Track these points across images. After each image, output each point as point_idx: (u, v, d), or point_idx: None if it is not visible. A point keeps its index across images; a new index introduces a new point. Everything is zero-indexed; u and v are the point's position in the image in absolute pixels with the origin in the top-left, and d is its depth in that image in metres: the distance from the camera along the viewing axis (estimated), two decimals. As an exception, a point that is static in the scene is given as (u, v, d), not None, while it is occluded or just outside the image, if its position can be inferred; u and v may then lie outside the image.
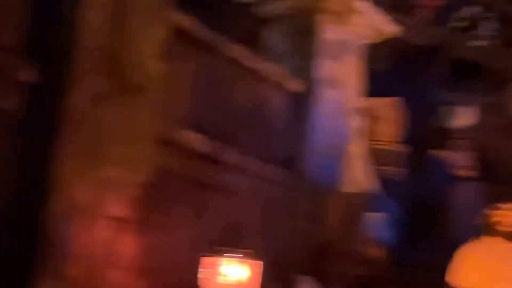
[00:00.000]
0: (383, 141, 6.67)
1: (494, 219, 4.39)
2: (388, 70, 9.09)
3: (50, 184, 3.25)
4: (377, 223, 5.28)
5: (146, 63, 3.72)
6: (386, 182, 6.17)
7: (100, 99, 3.48)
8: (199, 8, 4.34)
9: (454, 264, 4.38)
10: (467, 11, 9.66)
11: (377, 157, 6.47)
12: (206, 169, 4.34)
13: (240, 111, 4.67)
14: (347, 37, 5.45)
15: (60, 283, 3.14)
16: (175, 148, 4.12)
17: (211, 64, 4.47)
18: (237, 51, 4.62)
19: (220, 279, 3.34)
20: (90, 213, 3.37)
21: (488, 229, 4.41)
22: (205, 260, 3.42)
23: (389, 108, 6.87)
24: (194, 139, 4.23)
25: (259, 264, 3.43)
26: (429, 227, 6.46)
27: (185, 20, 4.21)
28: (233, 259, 3.36)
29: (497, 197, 6.66)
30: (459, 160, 7.83)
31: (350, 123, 5.42)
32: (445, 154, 7.65)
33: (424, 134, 8.31)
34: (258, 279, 3.43)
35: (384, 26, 5.62)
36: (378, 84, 7.95)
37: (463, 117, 8.41)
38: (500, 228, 4.32)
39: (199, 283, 3.37)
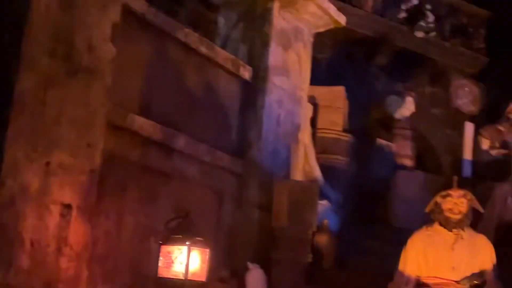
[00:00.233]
0: (327, 129, 6.72)
1: (441, 206, 4.46)
2: (333, 59, 9.19)
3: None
4: (323, 211, 5.32)
5: (97, 46, 3.62)
6: (330, 170, 6.23)
7: (49, 82, 3.37)
8: (151, -9, 4.27)
9: (404, 252, 4.44)
10: (410, 3, 9.82)
11: (322, 145, 6.53)
12: (157, 156, 4.28)
13: (191, 97, 4.61)
14: (297, 25, 5.46)
15: (9, 271, 3.04)
16: (126, 134, 4.05)
17: (162, 48, 4.39)
18: (189, 35, 4.55)
19: (171, 267, 3.29)
20: (39, 200, 3.27)
21: (435, 217, 4.48)
22: (162, 248, 3.36)
23: (334, 97, 6.92)
24: (145, 125, 4.16)
25: (206, 252, 3.41)
26: (373, 214, 6.57)
27: (137, 3, 4.12)
28: (183, 246, 3.31)
29: (437, 186, 6.85)
30: (401, 149, 7.97)
31: (299, 111, 5.43)
32: (388, 143, 7.77)
33: (367, 123, 8.43)
34: (206, 267, 3.40)
35: (333, 15, 5.64)
36: (323, 72, 8.02)
37: (405, 107, 8.56)
38: (450, 215, 4.39)
39: (158, 270, 3.32)
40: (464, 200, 4.46)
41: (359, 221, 6.14)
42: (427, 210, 4.59)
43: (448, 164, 10.05)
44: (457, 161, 9.67)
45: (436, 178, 7.44)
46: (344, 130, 6.98)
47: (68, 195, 3.43)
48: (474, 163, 7.60)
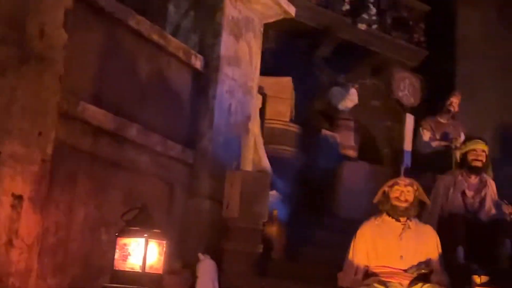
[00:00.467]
0: (275, 120, 6.73)
1: (388, 196, 4.53)
2: (277, 49, 9.21)
3: None
4: (272, 201, 5.34)
5: (49, 33, 3.51)
6: (278, 161, 6.25)
7: (0, 69, 3.26)
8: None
9: (353, 242, 4.50)
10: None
11: (270, 136, 6.54)
12: (108, 145, 4.20)
13: (143, 85, 4.54)
14: (248, 15, 5.44)
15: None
16: (77, 123, 3.95)
17: (114, 36, 4.30)
18: (141, 23, 4.47)
19: (127, 259, 3.24)
20: (-12, 191, 3.16)
21: (382, 207, 4.55)
22: (118, 240, 3.30)
23: (281, 88, 6.94)
24: (96, 114, 4.07)
25: (164, 244, 3.37)
26: (320, 205, 6.64)
27: (89, -11, 4.02)
28: (140, 238, 3.26)
29: (382, 176, 6.97)
30: (345, 140, 8.06)
31: (250, 101, 5.43)
32: (333, 134, 7.85)
33: (313, 114, 8.50)
34: (164, 258, 3.37)
35: (283, 5, 5.64)
36: (270, 62, 8.03)
37: (349, 98, 8.66)
38: (397, 203, 4.47)
39: (114, 264, 3.25)
40: (410, 189, 4.54)
41: (307, 211, 6.19)
42: (375, 200, 4.65)
43: (388, 155, 10.26)
44: (397, 152, 9.90)
45: (380, 168, 7.56)
46: (291, 121, 7.01)
47: (19, 186, 3.33)
48: (415, 154, 7.76)
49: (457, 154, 7.14)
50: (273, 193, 5.40)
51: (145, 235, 3.22)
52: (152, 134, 4.53)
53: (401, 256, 4.40)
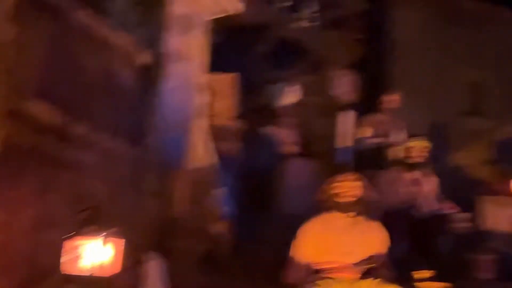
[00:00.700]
0: (219, 116, 6.69)
1: (333, 191, 4.57)
2: (218, 45, 9.17)
3: None
4: (219, 199, 5.32)
5: (-5, 26, 3.39)
6: (223, 157, 6.22)
7: None
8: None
9: (298, 239, 4.52)
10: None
11: (214, 132, 6.50)
12: (55, 143, 4.07)
13: (90, 81, 4.43)
14: (195, 10, 5.39)
15: None
16: (23, 120, 3.81)
17: (61, 30, 4.17)
18: (88, 17, 4.35)
19: (82, 261, 3.15)
20: None
21: (328, 203, 4.59)
22: (66, 243, 3.20)
23: (225, 84, 6.91)
24: (43, 110, 3.94)
25: (121, 243, 3.30)
26: (265, 202, 6.65)
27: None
28: (96, 239, 3.18)
29: (325, 173, 7.05)
30: (286, 137, 8.11)
31: (196, 98, 5.38)
32: (274, 131, 7.88)
33: (255, 110, 8.50)
34: (121, 258, 3.30)
35: (231, 1, 5.62)
36: (212, 58, 7.98)
37: (289, 95, 8.71)
38: (339, 199, 4.52)
39: (62, 267, 3.16)
40: (356, 184, 4.61)
41: (252, 208, 6.19)
42: (321, 197, 4.70)
43: (326, 152, 10.38)
44: (336, 149, 10.03)
45: (323, 165, 7.64)
46: (235, 117, 6.99)
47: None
48: (354, 151, 7.88)
49: (397, 151, 7.32)
50: (220, 190, 5.38)
51: (101, 235, 3.14)
52: (98, 131, 4.42)
53: (349, 251, 4.45)
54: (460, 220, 6.94)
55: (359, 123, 7.93)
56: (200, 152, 5.42)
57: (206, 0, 5.40)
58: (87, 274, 3.13)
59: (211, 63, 7.17)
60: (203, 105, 5.58)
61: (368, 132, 7.80)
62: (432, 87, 10.41)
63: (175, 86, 5.15)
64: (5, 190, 3.70)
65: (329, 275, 4.35)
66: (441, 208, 6.28)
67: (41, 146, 3.97)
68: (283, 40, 9.97)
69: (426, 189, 6.20)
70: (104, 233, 3.19)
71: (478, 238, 5.67)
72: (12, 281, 3.77)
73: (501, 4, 10.85)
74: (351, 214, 4.56)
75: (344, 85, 10.04)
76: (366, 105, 9.84)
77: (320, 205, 4.70)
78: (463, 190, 8.90)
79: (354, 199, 4.57)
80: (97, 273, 3.13)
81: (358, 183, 4.62)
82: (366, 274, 4.39)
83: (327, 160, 9.51)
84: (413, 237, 5.67)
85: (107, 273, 3.17)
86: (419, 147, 6.22)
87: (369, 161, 7.25)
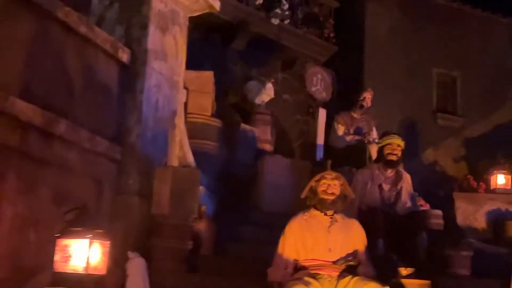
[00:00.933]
0: (197, 114, 6.69)
1: (319, 189, 4.61)
2: (191, 43, 9.15)
3: None
4: (200, 197, 5.30)
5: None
6: (201, 156, 6.22)
7: None
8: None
9: (283, 237, 4.55)
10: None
11: (192, 130, 6.49)
12: (37, 142, 4.02)
13: (71, 79, 4.38)
14: (174, 8, 5.37)
15: None
16: (5, 118, 3.77)
17: (42, 27, 4.12)
18: (69, 14, 4.31)
19: (69, 260, 3.13)
20: None
21: (314, 201, 4.63)
22: (55, 242, 3.18)
23: (202, 82, 6.90)
24: (25, 109, 3.89)
25: (107, 244, 3.29)
26: (244, 200, 6.65)
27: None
28: (82, 239, 3.16)
29: (302, 170, 7.09)
30: (261, 134, 8.12)
31: (176, 96, 5.36)
32: (252, 128, 7.90)
33: (232, 108, 8.51)
34: (107, 259, 3.29)
35: (208, 0, 5.61)
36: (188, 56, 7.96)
37: (265, 92, 8.74)
38: (324, 196, 4.56)
39: (54, 265, 3.13)
40: (337, 183, 4.67)
41: (231, 206, 6.19)
42: (302, 196, 4.74)
43: (299, 149, 10.45)
44: (309, 146, 10.10)
45: (301, 162, 7.67)
46: (213, 115, 6.98)
47: None
48: (328, 148, 7.92)
49: (372, 148, 7.39)
50: (201, 188, 5.37)
51: (88, 235, 3.12)
52: (80, 129, 4.38)
53: (330, 249, 4.50)
54: (433, 217, 7.06)
55: (333, 121, 7.96)
56: (179, 150, 5.40)
57: (186, -2, 5.38)
58: (74, 274, 3.10)
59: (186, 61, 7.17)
60: (182, 103, 5.56)
61: (342, 129, 7.85)
62: (404, 84, 10.55)
63: (156, 84, 5.12)
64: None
65: (312, 272, 4.39)
66: (416, 205, 6.36)
67: (24, 145, 3.93)
68: (257, 37, 9.98)
69: (400, 186, 6.25)
70: (89, 235, 3.16)
71: (452, 234, 5.73)
72: (-5, 281, 3.73)
73: (472, 3, 11.04)
74: (332, 212, 4.61)
75: (318, 82, 10.10)
76: (338, 102, 9.94)
77: (302, 203, 4.74)
78: (435, 187, 9.07)
79: (335, 197, 4.62)
80: (84, 273, 3.10)
81: (339, 182, 4.68)
82: (346, 271, 4.44)
83: (297, 156, 9.60)
84: (389, 235, 5.71)
85: (94, 273, 3.14)
86: (394, 145, 6.26)
87: (343, 158, 7.29)
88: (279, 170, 6.90)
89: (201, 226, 5.11)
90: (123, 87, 4.94)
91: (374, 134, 7.89)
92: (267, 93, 8.70)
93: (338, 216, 4.65)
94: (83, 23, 4.46)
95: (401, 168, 6.38)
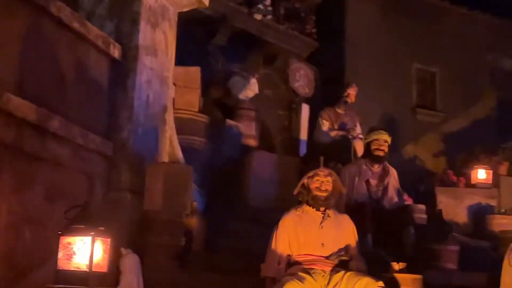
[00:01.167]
0: (184, 110, 6.66)
1: (312, 186, 4.64)
2: (178, 37, 9.10)
3: None
4: (192, 193, 5.29)
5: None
6: (188, 151, 6.20)
7: None
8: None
9: (276, 233, 4.58)
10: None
11: (179, 126, 6.46)
12: (31, 138, 3.98)
13: (64, 75, 4.34)
14: (164, 3, 5.34)
15: None
16: (1, 115, 3.72)
17: (36, 23, 4.07)
18: (62, 10, 4.26)
19: (73, 259, 3.11)
20: None
21: (306, 197, 4.65)
22: (58, 240, 3.16)
23: (189, 77, 6.87)
24: (20, 105, 3.85)
25: (108, 241, 3.27)
26: (232, 195, 6.66)
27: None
28: (85, 237, 3.15)
29: (289, 166, 7.13)
30: (246, 130, 8.13)
31: (166, 92, 5.34)
32: (236, 124, 7.90)
33: (218, 103, 8.49)
34: (108, 256, 3.28)
35: (198, -5, 5.60)
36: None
37: (249, 88, 8.73)
38: (317, 193, 4.59)
39: (57, 263, 3.11)
40: (330, 179, 4.71)
41: (219, 202, 6.19)
42: (295, 192, 4.77)
43: (281, 144, 10.46)
44: (291, 141, 10.12)
45: (287, 158, 7.70)
46: (199, 111, 6.97)
47: None
48: (315, 144, 7.96)
49: (358, 144, 7.45)
50: (192, 184, 5.36)
51: (91, 233, 3.10)
52: (73, 126, 4.35)
53: (322, 244, 4.54)
54: (418, 211, 7.13)
55: (318, 116, 8.00)
56: (169, 146, 5.38)
57: (177, -7, 5.36)
58: (78, 271, 3.08)
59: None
60: (171, 99, 5.54)
61: (327, 124, 7.90)
62: (384, 80, 10.63)
63: (147, 80, 5.09)
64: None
65: (305, 267, 4.42)
66: (403, 200, 6.43)
67: (19, 141, 3.89)
68: (238, 32, 9.95)
69: (387, 181, 6.32)
70: (92, 232, 3.14)
71: (439, 229, 5.80)
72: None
73: (450, -1, 11.15)
74: (324, 208, 4.65)
75: (301, 78, 10.12)
76: (319, 97, 9.98)
77: (289, 198, 4.77)
78: (415, 182, 9.16)
79: (328, 194, 4.66)
80: (88, 271, 3.09)
81: (332, 178, 4.71)
82: (339, 266, 4.48)
83: (279, 152, 9.60)
84: (377, 230, 5.77)
85: (97, 271, 3.13)
86: (381, 141, 6.32)
87: (327, 153, 7.31)
88: (266, 166, 6.92)
89: (192, 222, 5.10)
90: (114, 83, 4.91)
91: (358, 129, 7.96)
92: (251, 88, 8.71)
93: (330, 212, 4.69)
94: (76, 18, 4.43)
95: (387, 164, 6.45)
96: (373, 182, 6.31)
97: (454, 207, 8.36)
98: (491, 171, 8.78)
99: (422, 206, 7.32)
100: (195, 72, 6.92)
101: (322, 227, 4.60)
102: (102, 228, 3.22)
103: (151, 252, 4.68)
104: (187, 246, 4.95)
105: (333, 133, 7.87)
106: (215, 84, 9.27)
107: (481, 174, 8.68)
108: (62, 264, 3.13)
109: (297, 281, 4.23)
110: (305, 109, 9.46)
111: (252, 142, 8.08)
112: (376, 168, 6.35)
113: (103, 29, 4.99)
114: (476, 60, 11.21)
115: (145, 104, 5.04)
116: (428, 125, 10.97)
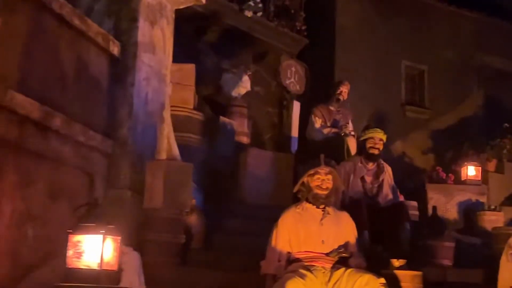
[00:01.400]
0: (179, 107, 6.64)
1: (313, 184, 4.66)
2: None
3: None
4: (192, 190, 5.29)
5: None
6: (184, 149, 6.20)
7: None
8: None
9: (275, 230, 4.59)
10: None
11: (174, 123, 6.46)
12: (34, 136, 3.97)
13: (65, 72, 4.32)
14: (161, 1, 5.34)
15: None
16: (4, 112, 3.71)
17: (38, 20, 4.05)
18: (63, 7, 4.24)
19: (83, 257, 3.10)
20: None
21: (307, 195, 4.67)
22: (68, 238, 3.14)
23: (184, 74, 6.85)
24: (24, 103, 3.83)
25: (118, 239, 3.27)
26: (228, 193, 6.66)
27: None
28: (96, 235, 3.14)
29: (284, 163, 7.14)
30: (239, 127, 8.13)
31: (164, 89, 5.34)
32: (230, 121, 7.89)
33: (208, 101, 8.48)
34: (118, 254, 3.27)
35: (195, -8, 5.60)
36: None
37: (242, 85, 8.73)
38: (318, 191, 4.61)
39: (67, 261, 3.10)
40: (330, 177, 4.73)
41: (216, 199, 6.20)
42: (294, 190, 4.78)
43: (271, 141, 10.47)
44: (282, 138, 10.14)
45: (282, 156, 7.71)
46: (193, 108, 6.95)
47: None
48: (308, 141, 7.97)
49: (352, 142, 7.47)
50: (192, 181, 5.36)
51: (102, 231, 3.09)
52: (74, 123, 4.33)
53: (322, 241, 4.56)
54: (410, 208, 7.19)
55: (310, 113, 8.01)
56: (168, 143, 5.39)
57: (174, -11, 5.35)
58: (88, 269, 3.07)
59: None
60: (168, 96, 5.53)
61: (319, 122, 7.91)
62: (373, 77, 10.67)
63: (146, 77, 5.08)
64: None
65: (306, 264, 4.44)
66: (397, 197, 6.47)
67: (22, 139, 3.87)
68: (229, 29, 9.94)
69: (382, 179, 6.36)
70: (103, 230, 3.13)
71: (434, 225, 5.86)
72: (-5, 278, 3.67)
73: (440, -4, 11.21)
74: (324, 205, 4.67)
75: (292, 75, 10.13)
76: (310, 94, 10.00)
77: (284, 194, 4.78)
78: (404, 179, 9.21)
79: (328, 191, 4.68)
80: (99, 269, 3.08)
81: (332, 176, 4.73)
82: (339, 263, 4.51)
83: (269, 149, 9.62)
84: (372, 226, 5.80)
85: (107, 269, 3.12)
86: (376, 139, 6.36)
87: (320, 151, 7.33)
88: (260, 163, 6.93)
89: (192, 220, 5.11)
90: (114, 80, 4.90)
91: (351, 127, 7.98)
92: (244, 85, 8.70)
93: (329, 209, 4.71)
94: (77, 15, 4.41)
95: (382, 161, 6.49)
96: (368, 179, 6.34)
97: (445, 204, 8.42)
98: (480, 168, 8.85)
99: (414, 203, 7.38)
100: (189, 69, 6.90)
101: (322, 224, 4.62)
102: (112, 226, 3.21)
103: (151, 250, 4.68)
104: (186, 243, 4.96)
105: (325, 130, 7.87)
106: (205, 81, 9.26)
107: (470, 171, 8.74)
108: (72, 263, 3.11)
109: (299, 278, 4.25)
110: (296, 106, 9.47)
111: (245, 139, 8.08)
112: (371, 165, 6.39)
113: (101, 26, 4.97)
114: (465, 58, 11.28)
115: (144, 101, 5.03)
116: (416, 122, 11.03)
